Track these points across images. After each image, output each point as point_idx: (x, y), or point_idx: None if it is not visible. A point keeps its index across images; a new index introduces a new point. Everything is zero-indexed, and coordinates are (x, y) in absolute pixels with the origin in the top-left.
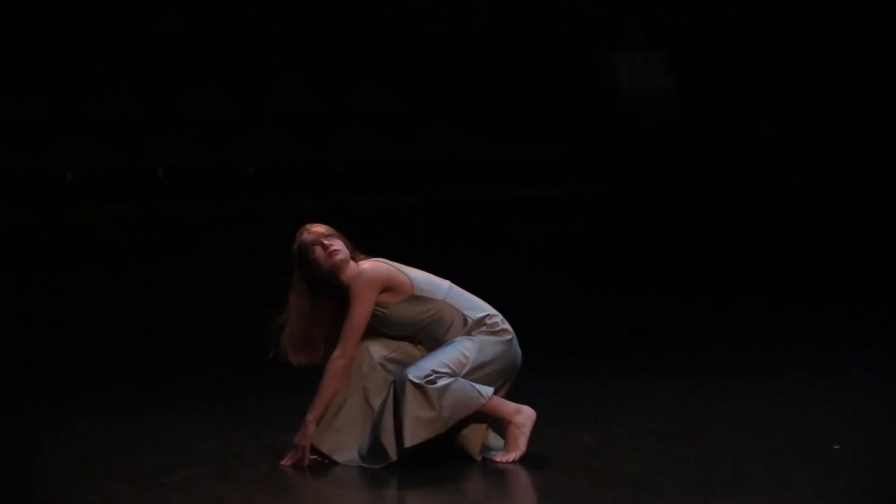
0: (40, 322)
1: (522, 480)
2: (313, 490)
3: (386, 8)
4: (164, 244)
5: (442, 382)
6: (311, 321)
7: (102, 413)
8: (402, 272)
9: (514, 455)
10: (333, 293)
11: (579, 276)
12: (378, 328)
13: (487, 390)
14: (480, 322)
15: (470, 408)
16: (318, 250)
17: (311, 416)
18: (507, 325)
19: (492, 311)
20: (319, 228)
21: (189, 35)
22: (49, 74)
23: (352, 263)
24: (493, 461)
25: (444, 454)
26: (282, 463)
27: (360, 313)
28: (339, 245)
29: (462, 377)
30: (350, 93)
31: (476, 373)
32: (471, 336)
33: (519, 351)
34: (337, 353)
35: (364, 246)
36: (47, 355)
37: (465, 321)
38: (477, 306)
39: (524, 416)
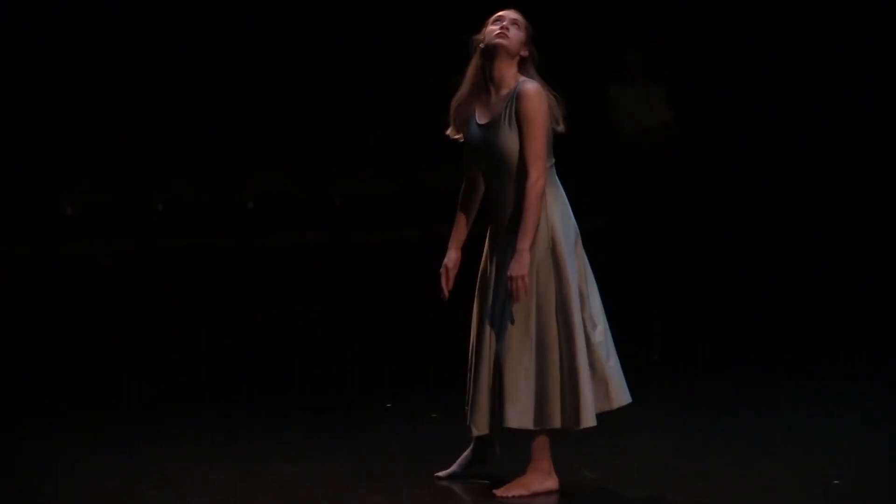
0: (39, 357)
1: None
2: None
3: (386, 43)
4: (163, 278)
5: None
6: (473, 89)
7: (102, 447)
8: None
9: (517, 492)
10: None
11: None
12: (480, 147)
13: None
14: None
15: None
16: (494, 25)
17: (525, 245)
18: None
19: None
20: (515, 14)
21: (188, 71)
22: (48, 109)
23: (513, 64)
24: (495, 493)
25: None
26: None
27: (541, 134)
28: (513, 35)
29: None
30: (350, 128)
31: (590, 286)
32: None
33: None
34: (533, 177)
35: (364, 281)
36: (47, 390)
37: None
38: (561, 195)
39: (551, 476)
